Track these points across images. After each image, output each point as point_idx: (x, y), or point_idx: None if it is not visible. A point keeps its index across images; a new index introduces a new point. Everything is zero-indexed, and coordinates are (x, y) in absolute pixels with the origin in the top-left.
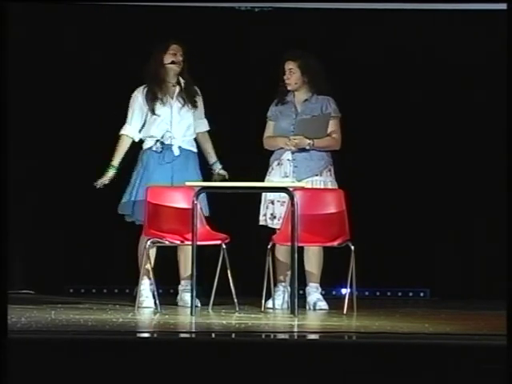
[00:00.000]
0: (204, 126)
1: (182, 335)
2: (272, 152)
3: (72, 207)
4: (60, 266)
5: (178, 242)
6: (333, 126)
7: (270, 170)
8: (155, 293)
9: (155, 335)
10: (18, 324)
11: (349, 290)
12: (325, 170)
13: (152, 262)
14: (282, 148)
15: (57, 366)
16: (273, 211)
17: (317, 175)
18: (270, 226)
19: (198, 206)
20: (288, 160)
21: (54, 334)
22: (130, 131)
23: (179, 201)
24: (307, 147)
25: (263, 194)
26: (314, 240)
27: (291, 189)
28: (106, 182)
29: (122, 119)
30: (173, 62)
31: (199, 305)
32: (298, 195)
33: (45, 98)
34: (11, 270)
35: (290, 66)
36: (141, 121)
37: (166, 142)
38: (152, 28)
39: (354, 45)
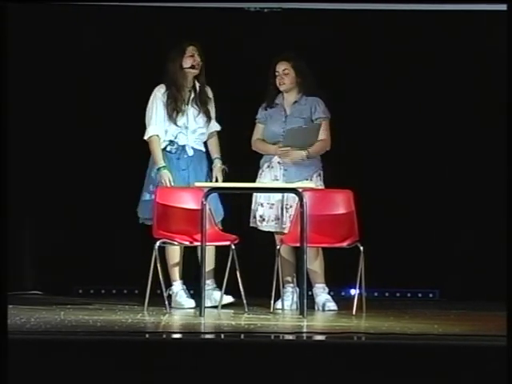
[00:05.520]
0: (214, 126)
1: (191, 336)
2: (262, 155)
3: (82, 208)
4: (69, 267)
5: (188, 243)
6: (322, 128)
7: (260, 172)
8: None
9: (164, 336)
10: (27, 325)
11: (358, 290)
12: (315, 174)
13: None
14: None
15: (66, 366)
16: (262, 213)
17: (306, 179)
18: (259, 228)
19: (207, 207)
20: (278, 163)
21: (64, 334)
22: (158, 130)
23: (188, 201)
24: (305, 159)
25: (254, 196)
26: (323, 241)
27: (300, 189)
28: (171, 184)
29: (125, 119)
30: (192, 67)
31: (193, 305)
32: (306, 196)
33: (44, 98)
34: (20, 271)
35: (284, 66)
36: (163, 120)
37: (180, 143)
38: (158, 29)
39: (357, 44)
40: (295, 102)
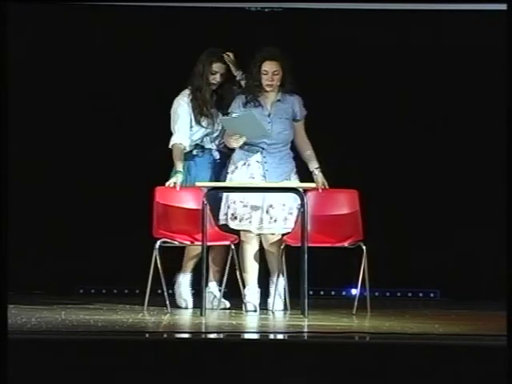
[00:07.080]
0: None
1: (192, 335)
2: (233, 150)
3: (83, 208)
4: (70, 267)
5: (188, 243)
6: (301, 128)
7: (233, 168)
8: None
9: (165, 336)
10: (28, 324)
11: (360, 290)
12: (292, 173)
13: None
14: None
15: (67, 366)
16: (234, 211)
17: (286, 179)
18: (230, 226)
19: (208, 207)
20: (257, 162)
21: (64, 334)
22: (181, 139)
23: (188, 201)
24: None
25: (225, 193)
26: (326, 240)
27: (301, 189)
28: (178, 186)
29: (122, 121)
30: (211, 84)
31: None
32: (311, 196)
33: (42, 99)
34: (21, 271)
35: (274, 66)
36: (188, 127)
37: (206, 146)
38: (157, 29)
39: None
40: (278, 100)
